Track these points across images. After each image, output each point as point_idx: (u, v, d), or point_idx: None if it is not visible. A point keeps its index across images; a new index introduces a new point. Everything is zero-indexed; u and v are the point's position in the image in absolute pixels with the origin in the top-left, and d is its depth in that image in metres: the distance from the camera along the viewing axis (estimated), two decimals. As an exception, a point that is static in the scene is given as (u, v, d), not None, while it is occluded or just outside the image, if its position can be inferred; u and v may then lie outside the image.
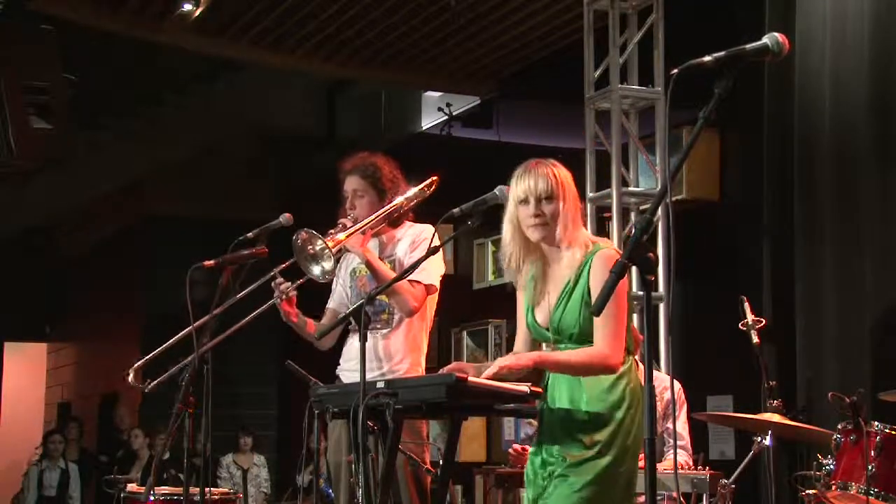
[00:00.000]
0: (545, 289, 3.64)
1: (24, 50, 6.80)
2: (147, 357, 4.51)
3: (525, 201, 3.58)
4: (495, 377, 3.44)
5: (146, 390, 4.38)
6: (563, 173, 3.62)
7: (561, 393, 3.57)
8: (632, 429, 3.48)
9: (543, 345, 3.79)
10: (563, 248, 3.59)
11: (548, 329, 3.61)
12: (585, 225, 4.01)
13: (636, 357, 3.70)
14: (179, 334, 4.28)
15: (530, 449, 3.69)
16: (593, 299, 3.47)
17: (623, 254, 2.54)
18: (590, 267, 3.53)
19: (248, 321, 4.53)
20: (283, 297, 4.49)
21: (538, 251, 3.65)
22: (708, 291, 7.01)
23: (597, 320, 3.42)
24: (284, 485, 11.10)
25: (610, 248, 3.61)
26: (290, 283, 4.48)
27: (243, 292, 4.35)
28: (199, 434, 4.27)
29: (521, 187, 3.59)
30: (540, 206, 3.56)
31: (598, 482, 3.44)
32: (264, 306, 4.55)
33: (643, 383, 2.62)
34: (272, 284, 4.50)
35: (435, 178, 4.70)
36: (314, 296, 4.88)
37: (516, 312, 3.81)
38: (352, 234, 4.45)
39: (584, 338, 3.51)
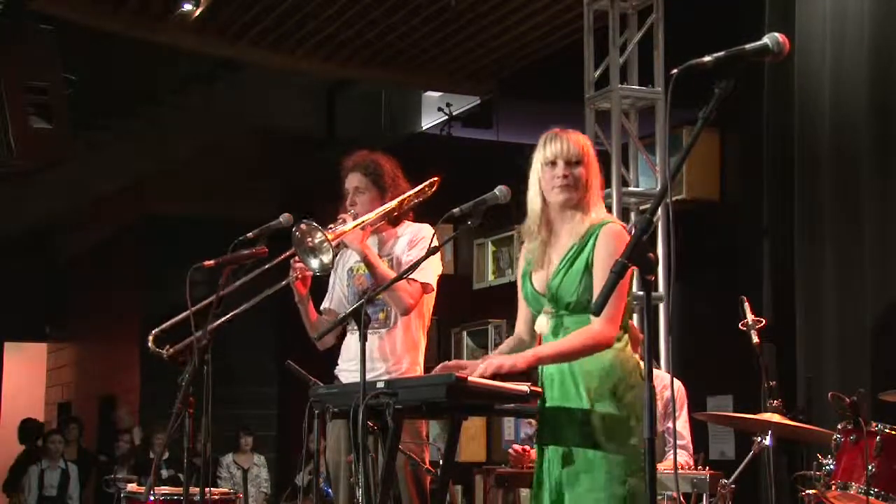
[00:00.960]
0: (547, 256, 3.61)
1: (24, 50, 6.80)
2: (169, 322, 4.51)
3: (553, 163, 3.57)
4: (494, 377, 3.43)
5: (166, 356, 4.38)
6: (590, 143, 3.65)
7: (554, 389, 3.55)
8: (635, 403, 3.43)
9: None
10: (578, 214, 3.58)
11: (544, 295, 3.59)
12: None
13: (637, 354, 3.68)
14: (199, 305, 4.27)
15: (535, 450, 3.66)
16: (595, 272, 3.48)
17: (623, 254, 2.54)
18: (595, 239, 3.52)
19: (253, 304, 4.52)
20: (299, 276, 4.51)
21: (547, 221, 3.64)
22: (708, 291, 7.00)
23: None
24: (284, 485, 11.09)
25: (616, 224, 3.61)
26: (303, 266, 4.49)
27: (242, 280, 4.35)
28: (199, 434, 4.27)
29: (550, 150, 3.58)
30: (569, 168, 3.56)
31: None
32: (274, 287, 4.56)
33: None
34: (290, 262, 4.52)
35: (436, 178, 4.70)
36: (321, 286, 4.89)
37: (517, 307, 3.78)
38: (352, 228, 4.45)
39: (581, 308, 3.48)
